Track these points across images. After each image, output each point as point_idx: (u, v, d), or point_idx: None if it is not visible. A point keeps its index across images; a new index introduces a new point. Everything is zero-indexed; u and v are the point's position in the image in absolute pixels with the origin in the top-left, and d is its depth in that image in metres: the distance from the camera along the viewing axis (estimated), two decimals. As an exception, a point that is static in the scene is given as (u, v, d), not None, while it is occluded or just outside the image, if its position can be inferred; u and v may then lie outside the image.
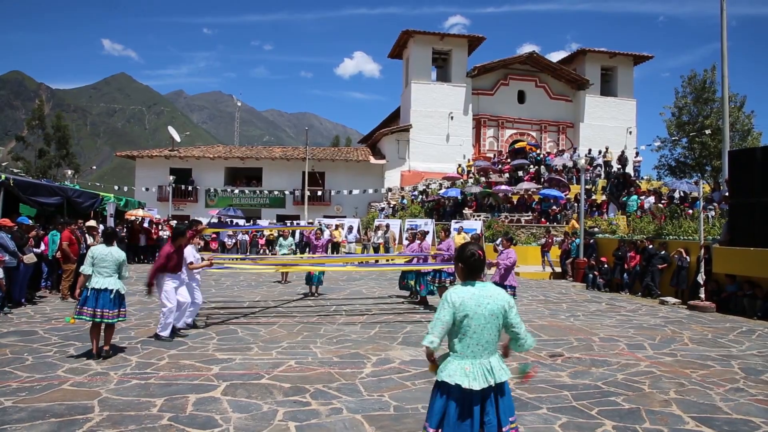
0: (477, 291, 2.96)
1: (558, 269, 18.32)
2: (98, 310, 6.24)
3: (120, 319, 6.53)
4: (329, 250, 17.49)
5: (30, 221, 11.43)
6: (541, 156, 32.09)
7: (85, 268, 6.44)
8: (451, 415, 2.84)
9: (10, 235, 9.66)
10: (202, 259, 8.79)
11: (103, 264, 6.35)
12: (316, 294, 12.37)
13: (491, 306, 2.94)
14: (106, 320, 6.30)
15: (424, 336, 2.93)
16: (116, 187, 34.51)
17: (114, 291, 6.34)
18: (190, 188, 34.07)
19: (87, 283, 6.41)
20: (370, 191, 32.32)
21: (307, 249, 14.20)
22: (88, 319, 6.29)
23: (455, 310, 2.89)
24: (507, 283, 9.10)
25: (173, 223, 23.70)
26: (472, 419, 2.85)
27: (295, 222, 29.83)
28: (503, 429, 2.90)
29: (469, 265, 3.03)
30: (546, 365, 6.52)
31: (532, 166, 30.42)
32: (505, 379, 2.94)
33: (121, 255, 6.51)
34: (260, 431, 4.29)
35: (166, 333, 7.40)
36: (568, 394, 5.35)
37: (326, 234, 15.03)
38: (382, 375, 5.95)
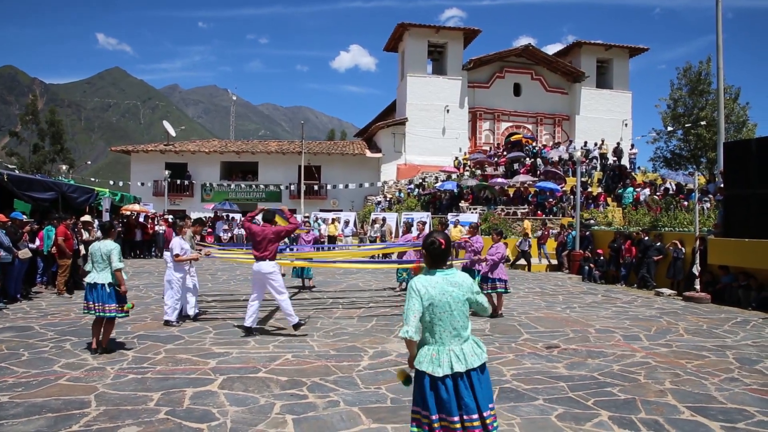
0: (441, 279, 3.02)
1: (554, 261, 18.37)
2: (97, 304, 6.26)
3: (121, 314, 6.52)
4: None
5: (24, 216, 11.37)
6: (537, 148, 32.10)
7: (88, 266, 6.57)
8: (429, 399, 2.94)
9: (4, 231, 9.62)
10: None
11: (94, 258, 6.40)
12: (309, 288, 12.39)
13: (456, 294, 3.00)
14: (107, 314, 6.31)
15: (399, 330, 2.92)
16: (111, 182, 34.30)
17: (107, 284, 6.34)
18: (185, 183, 33.94)
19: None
20: (367, 185, 32.24)
21: (295, 244, 13.95)
22: (88, 312, 6.35)
23: (421, 297, 2.96)
24: (495, 276, 9.07)
25: (168, 217, 23.65)
26: (450, 404, 2.90)
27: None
28: (483, 414, 2.93)
29: (430, 252, 3.08)
30: (542, 357, 6.54)
31: (528, 159, 30.42)
32: (477, 365, 2.97)
33: (106, 246, 6.42)
34: (257, 424, 4.29)
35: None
36: (564, 385, 5.37)
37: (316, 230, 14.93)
38: (379, 367, 5.96)
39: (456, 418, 2.89)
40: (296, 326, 7.41)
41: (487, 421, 2.94)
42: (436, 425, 2.92)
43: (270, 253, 7.42)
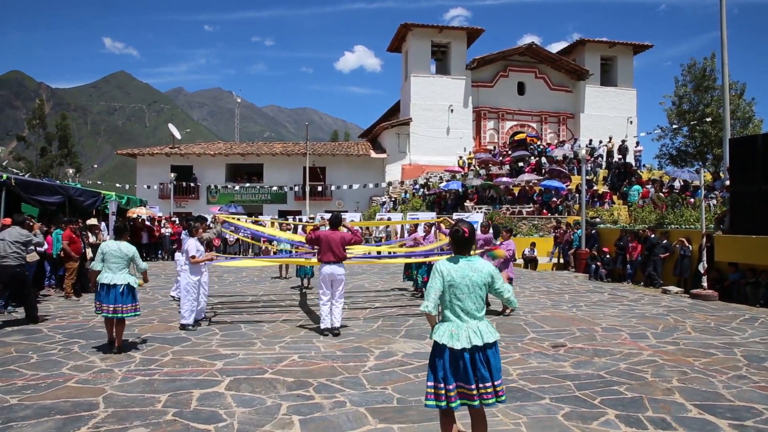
0: (463, 264, 3.39)
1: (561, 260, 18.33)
2: (113, 305, 6.32)
3: (134, 314, 6.60)
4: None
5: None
6: (542, 147, 32.03)
7: (95, 264, 6.59)
8: (447, 370, 3.30)
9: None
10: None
11: (113, 259, 6.43)
12: (309, 287, 12.41)
13: (476, 278, 3.36)
14: (119, 315, 6.37)
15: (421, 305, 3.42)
16: (118, 185, 34.49)
17: (123, 285, 6.39)
18: (191, 185, 34.07)
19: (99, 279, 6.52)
20: (371, 185, 32.27)
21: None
22: (105, 314, 6.40)
23: (443, 278, 3.35)
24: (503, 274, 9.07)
25: (174, 220, 23.73)
26: (467, 374, 3.28)
27: (297, 218, 29.85)
28: (495, 383, 3.32)
29: (455, 240, 3.47)
30: (549, 356, 6.52)
31: (532, 158, 30.37)
32: (491, 340, 3.33)
33: (130, 249, 6.54)
34: (264, 425, 4.30)
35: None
36: (570, 384, 5.36)
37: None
38: (385, 368, 5.97)
39: (473, 386, 3.27)
40: (337, 332, 7.61)
41: (498, 389, 3.34)
42: (452, 393, 3.28)
43: (343, 257, 7.68)
